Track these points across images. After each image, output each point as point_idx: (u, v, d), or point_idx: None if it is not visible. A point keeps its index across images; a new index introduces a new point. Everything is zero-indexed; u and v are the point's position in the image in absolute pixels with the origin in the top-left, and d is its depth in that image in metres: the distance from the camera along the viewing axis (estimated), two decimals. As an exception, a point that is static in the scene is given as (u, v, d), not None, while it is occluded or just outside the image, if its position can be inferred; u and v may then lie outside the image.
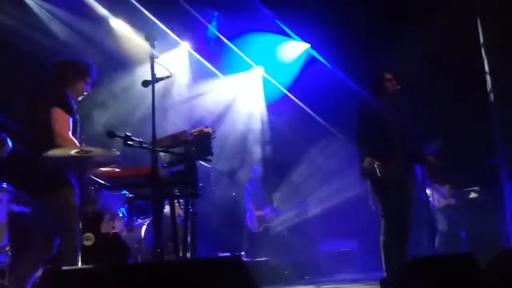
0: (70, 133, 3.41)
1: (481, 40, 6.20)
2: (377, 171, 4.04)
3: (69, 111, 3.46)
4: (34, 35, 5.61)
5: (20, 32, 5.46)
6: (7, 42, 5.25)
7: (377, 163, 4.06)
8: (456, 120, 6.46)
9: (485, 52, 6.12)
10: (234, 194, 7.45)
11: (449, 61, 6.31)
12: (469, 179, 6.48)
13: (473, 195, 6.38)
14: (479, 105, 6.23)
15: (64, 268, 2.24)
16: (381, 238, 4.16)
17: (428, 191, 5.93)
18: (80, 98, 3.74)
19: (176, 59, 7.16)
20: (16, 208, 4.09)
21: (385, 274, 4.12)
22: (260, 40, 7.54)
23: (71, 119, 3.46)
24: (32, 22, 5.77)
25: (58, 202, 3.28)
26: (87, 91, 3.74)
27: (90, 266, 2.41)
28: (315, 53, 7.87)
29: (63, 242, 3.24)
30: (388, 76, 4.33)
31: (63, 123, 3.39)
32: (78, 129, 3.69)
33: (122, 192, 4.39)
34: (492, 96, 6.02)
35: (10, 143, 3.95)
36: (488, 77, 6.12)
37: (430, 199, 6.14)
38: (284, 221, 7.75)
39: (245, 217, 7.42)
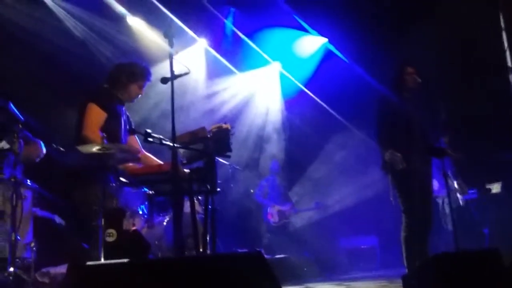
0: (98, 129, 3.44)
1: (504, 33, 6.07)
2: (399, 163, 4.01)
3: (105, 107, 3.50)
4: (52, 34, 5.67)
5: (37, 31, 5.53)
6: (26, 42, 5.32)
7: (398, 154, 4.03)
8: (478, 113, 6.35)
9: (507, 44, 5.99)
10: (252, 191, 7.46)
11: (470, 53, 6.20)
12: (492, 174, 6.37)
13: (495, 190, 6.27)
14: (502, 98, 6.11)
15: (89, 263, 2.26)
16: (402, 234, 4.13)
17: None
18: (134, 101, 3.80)
19: (193, 56, 7.18)
20: (39, 212, 4.18)
21: (406, 270, 4.07)
22: (277, 35, 7.50)
23: (106, 116, 3.49)
24: (49, 21, 5.84)
25: (85, 198, 3.33)
26: (140, 94, 3.79)
27: (114, 261, 2.43)
28: (332, 48, 7.80)
29: (87, 238, 3.28)
30: (409, 70, 4.29)
31: (94, 117, 3.44)
32: (123, 129, 3.72)
33: (142, 190, 4.42)
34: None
35: (44, 149, 4.03)
36: (510, 69, 5.99)
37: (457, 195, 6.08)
38: (303, 218, 7.73)
39: (264, 212, 7.42)
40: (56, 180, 3.63)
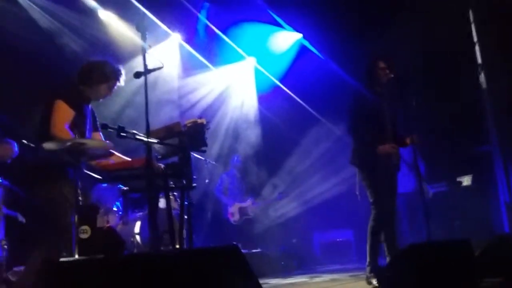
0: (67, 125, 3.37)
1: (473, 29, 6.22)
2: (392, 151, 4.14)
3: (73, 105, 3.41)
4: (16, 25, 5.49)
5: (4, 25, 5.36)
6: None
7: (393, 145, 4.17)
8: (449, 107, 6.49)
9: (477, 39, 6.14)
10: (207, 181, 7.19)
11: (442, 49, 6.33)
12: (462, 167, 6.52)
13: (466, 182, 6.42)
14: (472, 93, 6.26)
15: (62, 259, 2.22)
16: (370, 224, 4.20)
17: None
18: (101, 100, 3.72)
19: (167, 51, 7.10)
20: (5, 210, 4.07)
21: (367, 259, 4.14)
22: (252, 31, 7.49)
23: (73, 114, 3.41)
24: (14, 11, 5.65)
25: (52, 195, 3.25)
26: (108, 94, 3.71)
27: (88, 257, 2.39)
28: (307, 43, 7.84)
29: (58, 235, 3.21)
30: (382, 64, 4.34)
31: (62, 114, 3.36)
32: (95, 125, 3.67)
33: (117, 186, 4.36)
34: (484, 83, 6.05)
35: (16, 149, 3.92)
36: (480, 65, 6.15)
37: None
38: (269, 213, 7.69)
39: (225, 210, 7.29)
40: (24, 176, 3.52)
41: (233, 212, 7.28)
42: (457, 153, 6.50)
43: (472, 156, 6.37)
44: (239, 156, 7.60)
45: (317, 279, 5.35)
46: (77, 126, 3.44)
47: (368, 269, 4.12)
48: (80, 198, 3.17)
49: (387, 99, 4.36)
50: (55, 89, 3.51)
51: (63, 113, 3.36)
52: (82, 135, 3.49)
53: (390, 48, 6.05)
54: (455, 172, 6.58)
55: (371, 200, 4.22)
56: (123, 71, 3.73)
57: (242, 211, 7.31)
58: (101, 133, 3.81)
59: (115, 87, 3.71)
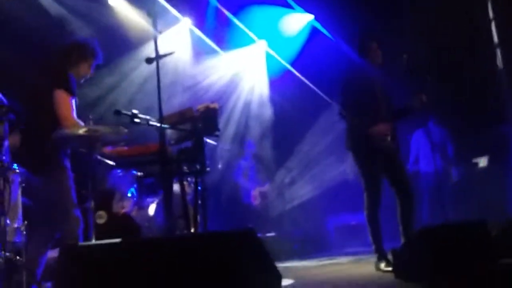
0: (75, 114, 3.39)
1: (490, 6, 6.07)
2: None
3: (72, 92, 3.43)
4: (26, 13, 5.48)
5: (10, 10, 5.34)
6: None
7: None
8: (465, 88, 6.39)
9: (493, 16, 6.00)
10: (220, 166, 7.20)
11: (458, 29, 6.19)
12: (479, 148, 6.44)
13: (482, 164, 6.35)
14: (488, 72, 6.15)
15: (81, 244, 2.25)
16: (365, 213, 4.11)
17: None
18: (82, 80, 3.70)
19: (178, 36, 7.06)
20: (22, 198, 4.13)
21: (373, 247, 4.08)
22: (263, 13, 7.39)
23: (74, 100, 3.44)
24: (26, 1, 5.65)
25: (55, 183, 3.30)
26: (90, 74, 3.70)
27: (106, 241, 2.42)
28: (318, 25, 7.74)
29: (62, 222, 3.26)
30: (373, 46, 4.16)
31: (67, 105, 3.37)
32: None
33: (131, 172, 4.40)
34: (501, 62, 5.92)
35: None
36: (496, 44, 6.02)
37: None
38: (285, 196, 7.72)
39: (245, 194, 7.35)
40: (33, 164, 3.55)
41: (256, 196, 7.37)
42: (473, 134, 6.41)
43: (488, 137, 6.28)
44: (254, 141, 7.64)
45: (332, 261, 5.38)
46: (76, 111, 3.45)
47: (376, 256, 4.09)
48: (95, 184, 3.21)
49: (380, 79, 4.18)
50: (49, 78, 3.48)
51: (68, 103, 3.37)
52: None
53: (405, 26, 5.96)
54: (471, 153, 6.51)
55: (364, 186, 4.09)
56: (99, 49, 3.69)
57: (262, 195, 7.40)
58: None
59: (94, 66, 3.68)
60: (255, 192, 7.40)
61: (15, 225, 3.39)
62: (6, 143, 3.34)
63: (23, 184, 3.52)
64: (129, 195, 5.44)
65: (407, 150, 6.68)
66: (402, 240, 4.12)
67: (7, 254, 3.15)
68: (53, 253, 3.48)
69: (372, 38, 4.21)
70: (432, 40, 6.40)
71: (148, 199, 5.62)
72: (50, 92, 3.37)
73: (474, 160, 6.45)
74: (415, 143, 6.62)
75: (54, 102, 3.34)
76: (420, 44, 6.06)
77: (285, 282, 3.65)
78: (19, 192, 3.48)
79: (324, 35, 7.69)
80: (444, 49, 6.46)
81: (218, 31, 7.38)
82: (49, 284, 3.47)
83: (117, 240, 2.37)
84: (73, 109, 3.40)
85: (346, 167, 7.23)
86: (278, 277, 2.51)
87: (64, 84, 3.39)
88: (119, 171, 4.60)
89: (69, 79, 3.46)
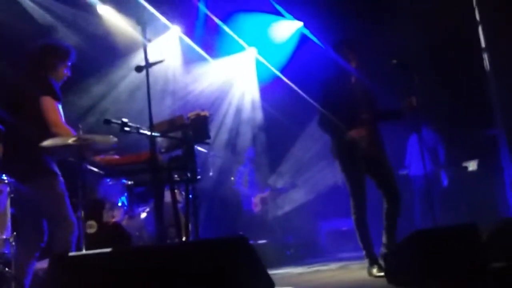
0: (63, 120, 3.37)
1: (476, 11, 6.15)
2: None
3: (57, 97, 3.40)
4: (15, 21, 5.44)
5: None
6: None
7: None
8: (453, 92, 6.45)
9: (480, 20, 6.07)
10: (232, 179, 7.42)
11: (446, 33, 6.27)
12: (468, 151, 6.50)
13: (472, 167, 6.41)
14: (477, 76, 6.21)
15: (72, 254, 2.23)
16: (352, 218, 4.13)
17: None
18: (60, 83, 3.65)
19: (167, 44, 7.06)
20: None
21: (364, 252, 4.09)
22: (252, 20, 7.43)
23: (60, 105, 3.41)
24: (13, 8, 5.59)
25: (46, 190, 3.27)
26: (67, 75, 3.66)
27: (97, 251, 2.40)
28: (307, 32, 7.79)
29: (55, 229, 3.22)
30: (350, 55, 4.18)
31: (55, 111, 3.35)
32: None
33: (121, 181, 4.37)
34: (488, 66, 5.99)
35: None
36: (484, 48, 6.09)
37: None
38: (277, 202, 7.75)
39: (246, 201, 7.40)
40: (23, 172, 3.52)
41: (256, 202, 7.42)
42: (462, 138, 6.47)
43: (477, 141, 6.34)
44: (253, 148, 7.69)
45: (325, 267, 5.37)
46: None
47: (367, 261, 4.09)
48: (85, 193, 3.18)
49: (360, 84, 4.19)
50: (32, 85, 3.43)
51: (55, 109, 3.34)
52: None
53: (393, 33, 6.01)
54: (460, 157, 6.56)
55: (350, 191, 4.11)
56: (73, 49, 3.67)
57: (263, 200, 7.45)
58: None
59: (69, 66, 3.64)
60: (256, 199, 7.44)
61: (4, 236, 3.34)
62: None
63: (12, 195, 3.48)
64: (119, 204, 5.42)
65: (403, 154, 6.77)
66: (383, 240, 4.12)
67: (-4, 265, 3.10)
68: (41, 264, 3.44)
69: (347, 45, 4.22)
70: (419, 43, 6.47)
71: (139, 208, 5.59)
72: (37, 99, 3.33)
73: (464, 164, 6.51)
74: (410, 147, 6.71)
75: (42, 109, 3.31)
76: (408, 47, 6.11)
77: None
78: (8, 202, 3.43)
79: (313, 42, 7.74)
80: (432, 52, 6.53)
81: (208, 38, 7.39)
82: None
83: (108, 249, 2.35)
84: (61, 115, 3.38)
85: (336, 173, 7.25)
86: (271, 284, 2.51)
87: (49, 91, 3.36)
88: (109, 180, 4.58)
89: (52, 84, 3.43)
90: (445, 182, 6.40)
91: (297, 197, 7.82)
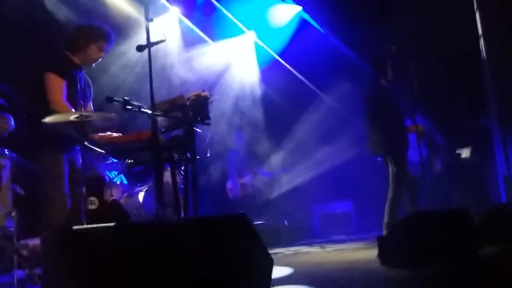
0: (64, 98, 3.37)
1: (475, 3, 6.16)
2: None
3: (63, 74, 3.38)
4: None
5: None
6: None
7: None
8: (449, 79, 6.49)
9: (477, 7, 6.09)
10: (208, 155, 7.26)
11: (442, 19, 6.29)
12: (461, 139, 6.58)
13: (465, 154, 6.49)
14: (472, 64, 6.25)
15: (75, 227, 2.27)
16: (392, 197, 4.74)
17: None
18: (94, 64, 3.66)
19: (166, 25, 7.02)
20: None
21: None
22: (251, 4, 7.40)
23: (65, 84, 3.39)
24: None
25: (42, 165, 3.29)
26: (101, 57, 3.65)
27: (101, 225, 2.44)
28: (307, 16, 7.77)
29: (44, 205, 3.26)
30: (389, 71, 4.94)
31: (56, 89, 3.34)
32: (88, 95, 3.65)
33: (121, 160, 4.40)
34: (485, 55, 6.03)
35: (12, 123, 3.92)
36: (480, 35, 6.12)
37: None
38: (273, 185, 7.81)
39: (232, 185, 7.44)
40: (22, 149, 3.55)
41: (232, 188, 7.40)
42: (456, 125, 6.54)
43: (471, 128, 6.42)
44: (243, 134, 7.70)
45: (319, 249, 5.46)
46: (69, 95, 3.42)
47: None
48: (86, 170, 3.21)
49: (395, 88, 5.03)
50: (42, 61, 3.45)
51: (58, 87, 3.34)
52: (74, 105, 3.47)
53: (390, 19, 6.02)
54: (454, 145, 6.65)
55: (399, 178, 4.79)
56: (111, 32, 3.66)
57: (243, 187, 7.44)
58: (91, 103, 3.77)
59: (107, 50, 3.65)
60: (233, 184, 7.44)
61: (6, 210, 3.38)
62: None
63: (13, 170, 3.51)
64: (117, 182, 5.44)
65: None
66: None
67: (-2, 238, 3.14)
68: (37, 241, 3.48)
69: (387, 62, 4.99)
70: (418, 29, 6.49)
71: (137, 187, 5.62)
72: (41, 75, 3.34)
73: (458, 151, 6.60)
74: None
75: (45, 85, 3.31)
76: (404, 33, 6.14)
77: (284, 270, 3.70)
78: (9, 177, 3.46)
79: (313, 26, 7.73)
80: (428, 39, 6.55)
81: (207, 21, 7.36)
82: (38, 270, 3.48)
83: (111, 224, 2.39)
84: (63, 93, 3.37)
85: (339, 155, 7.34)
86: (270, 261, 2.57)
87: (56, 67, 3.36)
88: (108, 158, 4.60)
89: (63, 61, 3.43)
90: (439, 168, 6.50)
91: (291, 180, 7.88)
